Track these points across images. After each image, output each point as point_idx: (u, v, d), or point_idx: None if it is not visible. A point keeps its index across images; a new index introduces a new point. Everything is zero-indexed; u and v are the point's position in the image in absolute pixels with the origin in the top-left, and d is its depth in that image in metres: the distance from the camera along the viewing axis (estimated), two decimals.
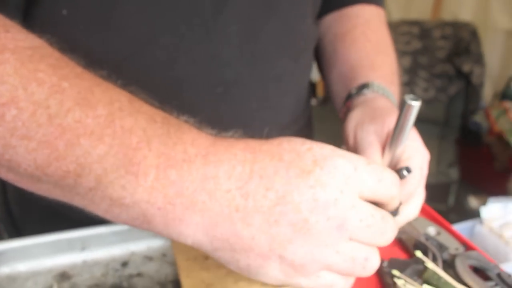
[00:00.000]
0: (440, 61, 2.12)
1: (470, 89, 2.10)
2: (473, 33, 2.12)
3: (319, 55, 0.67)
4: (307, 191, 0.30)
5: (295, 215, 0.30)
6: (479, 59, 2.09)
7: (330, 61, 0.63)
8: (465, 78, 2.08)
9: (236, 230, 0.31)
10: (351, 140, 0.49)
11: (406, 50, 2.13)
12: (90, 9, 0.44)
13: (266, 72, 0.54)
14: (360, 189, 0.32)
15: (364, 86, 0.53)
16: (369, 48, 0.59)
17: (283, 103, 0.58)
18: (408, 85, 2.10)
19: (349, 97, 0.55)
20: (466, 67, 2.06)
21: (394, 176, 0.34)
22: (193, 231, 0.32)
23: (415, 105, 0.38)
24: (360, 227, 0.31)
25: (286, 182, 0.31)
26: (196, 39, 0.48)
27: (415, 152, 0.44)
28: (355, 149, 0.48)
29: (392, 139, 0.42)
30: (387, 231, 0.33)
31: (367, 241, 0.32)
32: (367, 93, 0.53)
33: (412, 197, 0.45)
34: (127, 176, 0.30)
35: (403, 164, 0.43)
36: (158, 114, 0.33)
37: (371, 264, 0.33)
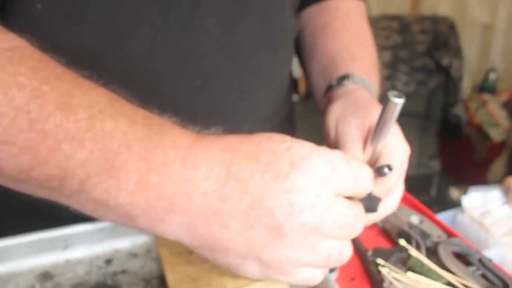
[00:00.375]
0: (420, 55, 2.14)
1: (449, 82, 2.13)
2: (452, 27, 2.15)
3: (300, 48, 0.67)
4: (282, 196, 0.30)
5: (270, 220, 0.31)
6: (457, 53, 2.12)
7: (310, 54, 0.63)
8: (445, 71, 2.11)
9: (213, 232, 0.31)
10: (332, 133, 0.50)
11: (386, 44, 2.14)
12: (65, 2, 0.43)
13: (245, 64, 0.54)
14: (337, 188, 0.32)
15: (344, 77, 0.54)
16: (349, 40, 0.60)
17: (262, 96, 0.58)
18: (389, 79, 2.12)
19: (330, 88, 0.55)
20: (445, 61, 2.09)
21: (369, 172, 0.35)
22: (175, 230, 0.32)
23: (399, 102, 0.38)
24: (334, 227, 0.32)
25: (262, 186, 0.30)
26: (173, 32, 0.48)
27: (396, 147, 0.45)
28: (336, 142, 0.49)
29: (374, 134, 0.43)
30: (358, 227, 0.34)
31: (340, 238, 0.33)
32: (348, 85, 0.53)
33: (392, 191, 0.46)
34: (109, 180, 0.30)
35: (383, 159, 0.44)
36: (139, 115, 0.33)
37: (345, 256, 0.34)
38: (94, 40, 0.46)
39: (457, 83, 2.13)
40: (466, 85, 2.37)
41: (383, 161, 0.44)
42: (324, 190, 0.31)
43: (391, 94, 0.38)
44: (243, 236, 0.31)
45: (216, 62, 0.51)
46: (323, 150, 0.32)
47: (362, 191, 0.34)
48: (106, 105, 0.32)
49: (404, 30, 2.17)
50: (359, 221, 0.33)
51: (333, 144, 0.50)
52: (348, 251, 0.35)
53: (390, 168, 0.40)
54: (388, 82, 2.09)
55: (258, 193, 0.30)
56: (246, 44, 0.53)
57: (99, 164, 0.30)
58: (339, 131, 0.48)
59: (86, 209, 0.33)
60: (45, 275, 0.49)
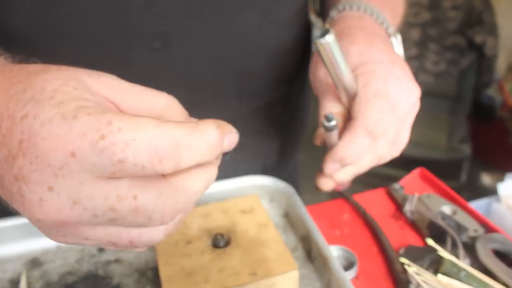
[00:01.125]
0: (451, 32, 2.04)
1: (482, 62, 2.02)
2: (486, 2, 2.04)
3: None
4: (13, 183, 0.24)
5: (15, 205, 0.25)
6: (492, 30, 2.01)
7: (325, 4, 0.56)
8: (478, 50, 2.00)
9: None
10: (313, 87, 0.46)
11: (415, 22, 2.04)
12: None
13: (221, 26, 0.46)
14: (94, 174, 0.22)
15: (338, 6, 0.48)
16: None
17: (247, 66, 0.50)
18: (418, 58, 2.02)
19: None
20: (478, 39, 1.98)
21: (158, 144, 0.22)
22: None
23: (325, 42, 0.33)
24: (100, 221, 0.23)
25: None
26: None
27: (370, 77, 0.39)
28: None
29: (332, 79, 0.38)
30: (144, 221, 0.24)
31: (123, 227, 0.25)
32: (344, 12, 0.47)
33: (383, 133, 0.39)
34: None
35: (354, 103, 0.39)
36: None
37: (143, 244, 0.26)
38: None
39: (491, 62, 2.03)
40: (501, 65, 2.25)
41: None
42: (63, 180, 0.23)
43: (316, 35, 0.33)
44: (14, 205, 0.25)
45: (181, 21, 0.44)
46: (67, 121, 0.22)
47: (152, 173, 0.23)
48: None
49: (434, 6, 2.07)
50: (145, 214, 0.23)
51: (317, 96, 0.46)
52: (150, 238, 0.25)
53: (328, 118, 0.34)
54: (417, 61, 2.00)
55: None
56: (222, 1, 0.45)
57: None
58: (314, 86, 0.45)
59: None
60: (34, 262, 0.45)
